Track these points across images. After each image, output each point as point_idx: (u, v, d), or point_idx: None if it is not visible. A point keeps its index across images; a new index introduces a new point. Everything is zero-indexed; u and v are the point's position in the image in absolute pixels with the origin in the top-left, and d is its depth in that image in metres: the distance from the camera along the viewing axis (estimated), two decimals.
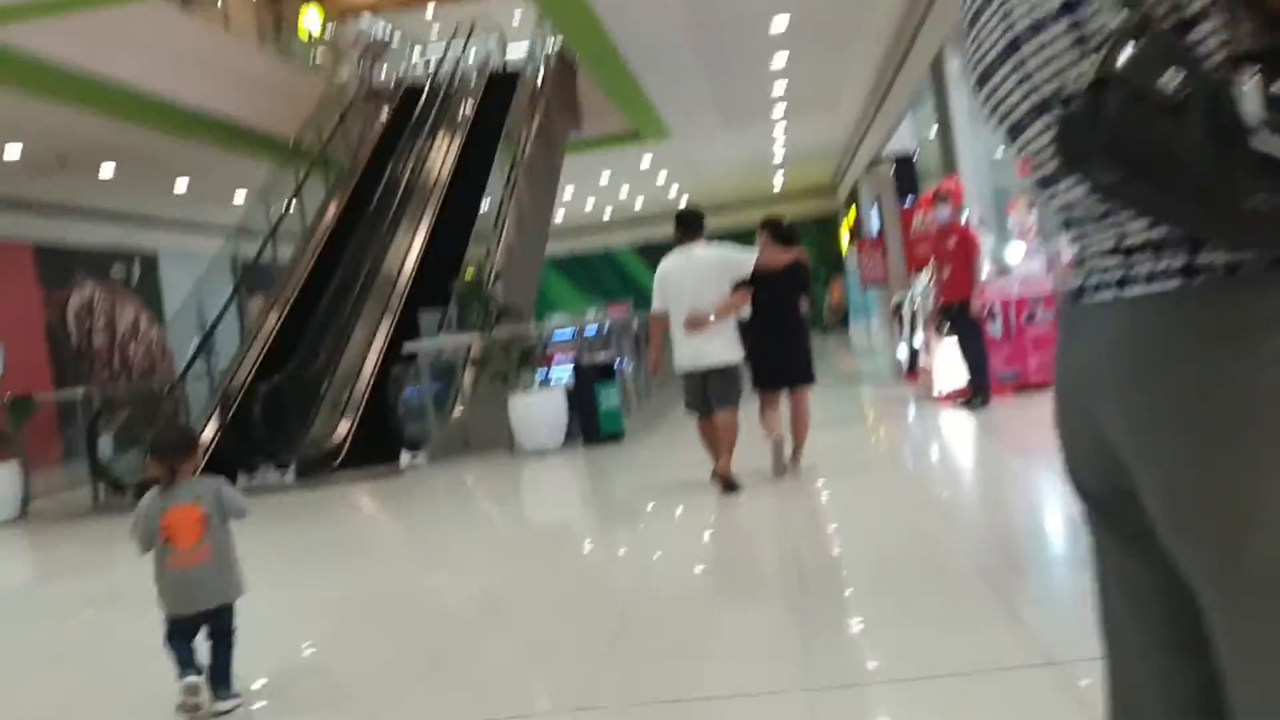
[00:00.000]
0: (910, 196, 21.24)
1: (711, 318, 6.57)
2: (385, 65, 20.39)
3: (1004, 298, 9.72)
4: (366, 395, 11.93)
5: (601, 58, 16.31)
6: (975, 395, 9.17)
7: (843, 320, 26.36)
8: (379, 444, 11.13)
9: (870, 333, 23.68)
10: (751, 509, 6.53)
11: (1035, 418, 8.90)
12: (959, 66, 13.23)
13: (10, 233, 16.03)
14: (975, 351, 9.19)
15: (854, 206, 28.62)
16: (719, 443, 6.81)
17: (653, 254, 32.04)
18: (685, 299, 6.66)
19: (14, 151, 14.20)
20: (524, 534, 7.41)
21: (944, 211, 9.32)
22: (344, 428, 11.84)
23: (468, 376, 11.56)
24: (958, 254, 9.15)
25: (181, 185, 18.21)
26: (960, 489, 7.07)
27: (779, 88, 18.38)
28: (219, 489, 3.93)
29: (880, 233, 23.13)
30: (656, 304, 6.88)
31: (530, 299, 15.58)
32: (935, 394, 10.02)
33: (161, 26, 14.34)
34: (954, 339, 9.43)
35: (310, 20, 23.61)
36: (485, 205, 14.61)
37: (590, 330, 14.44)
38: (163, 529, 3.81)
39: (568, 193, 26.97)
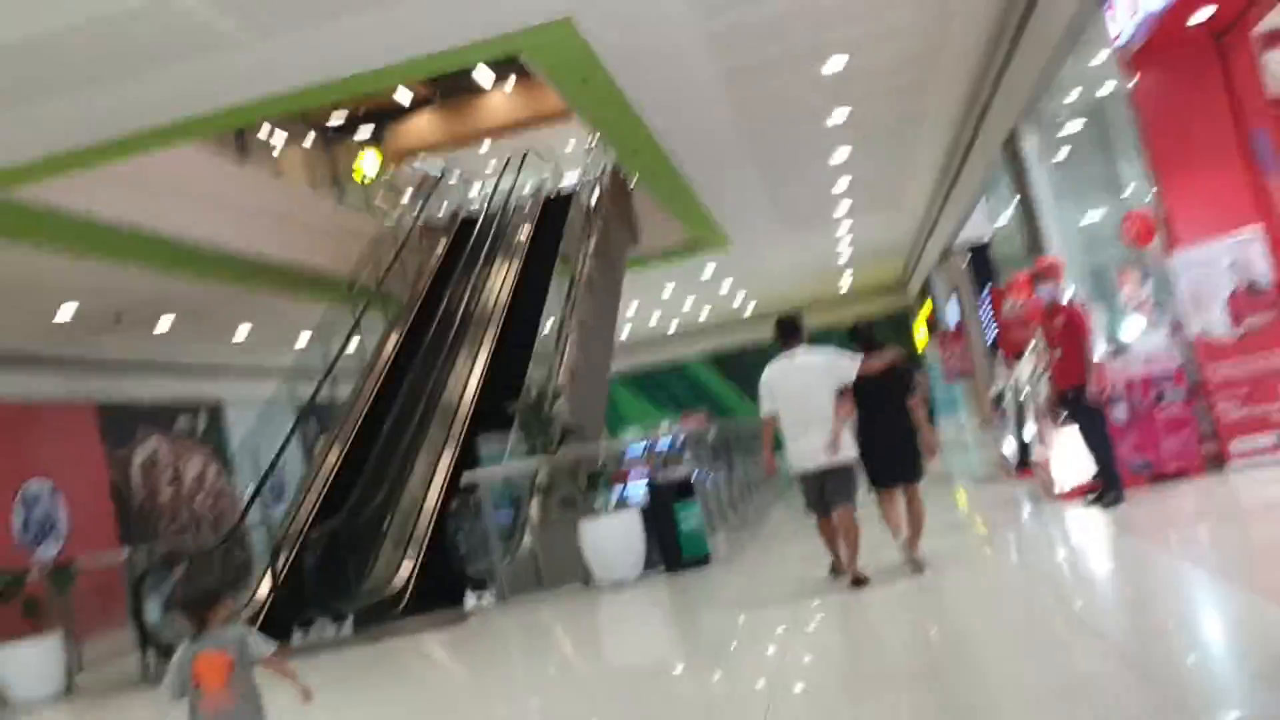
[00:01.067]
0: (988, 284, 20.18)
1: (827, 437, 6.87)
2: (442, 200, 20.14)
3: (1126, 378, 8.58)
4: (429, 533, 11.03)
5: (655, 170, 15.71)
6: (1106, 490, 7.96)
7: (929, 416, 25.05)
8: (444, 585, 10.20)
9: (962, 427, 22.32)
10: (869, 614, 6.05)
11: (1176, 512, 7.69)
12: (1035, 142, 12.32)
13: (71, 392, 15.67)
14: (1100, 441, 8.02)
15: (927, 300, 27.55)
16: (837, 540, 7.11)
17: (724, 363, 31.32)
18: (793, 403, 6.93)
19: (68, 311, 13.85)
20: (608, 676, 6.35)
21: (1045, 290, 8.28)
22: (406, 569, 10.89)
23: (535, 505, 10.62)
24: (1067, 335, 8.06)
25: (243, 332, 17.84)
26: (1105, 596, 5.97)
27: (840, 184, 17.59)
28: (243, 635, 4.20)
29: (960, 324, 22.01)
30: (766, 407, 7.08)
31: (598, 417, 14.69)
32: (1057, 491, 8.82)
33: (211, 175, 14.08)
34: (1073, 428, 8.29)
35: (368, 163, 23.64)
36: (546, 326, 13.88)
37: (663, 443, 13.51)
38: (194, 675, 4.09)
39: (632, 308, 26.35)
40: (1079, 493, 8.54)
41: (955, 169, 16.48)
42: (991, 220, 18.72)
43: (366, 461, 12.31)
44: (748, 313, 31.08)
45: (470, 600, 9.52)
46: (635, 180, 18.26)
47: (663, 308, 27.94)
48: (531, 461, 9.91)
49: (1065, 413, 8.41)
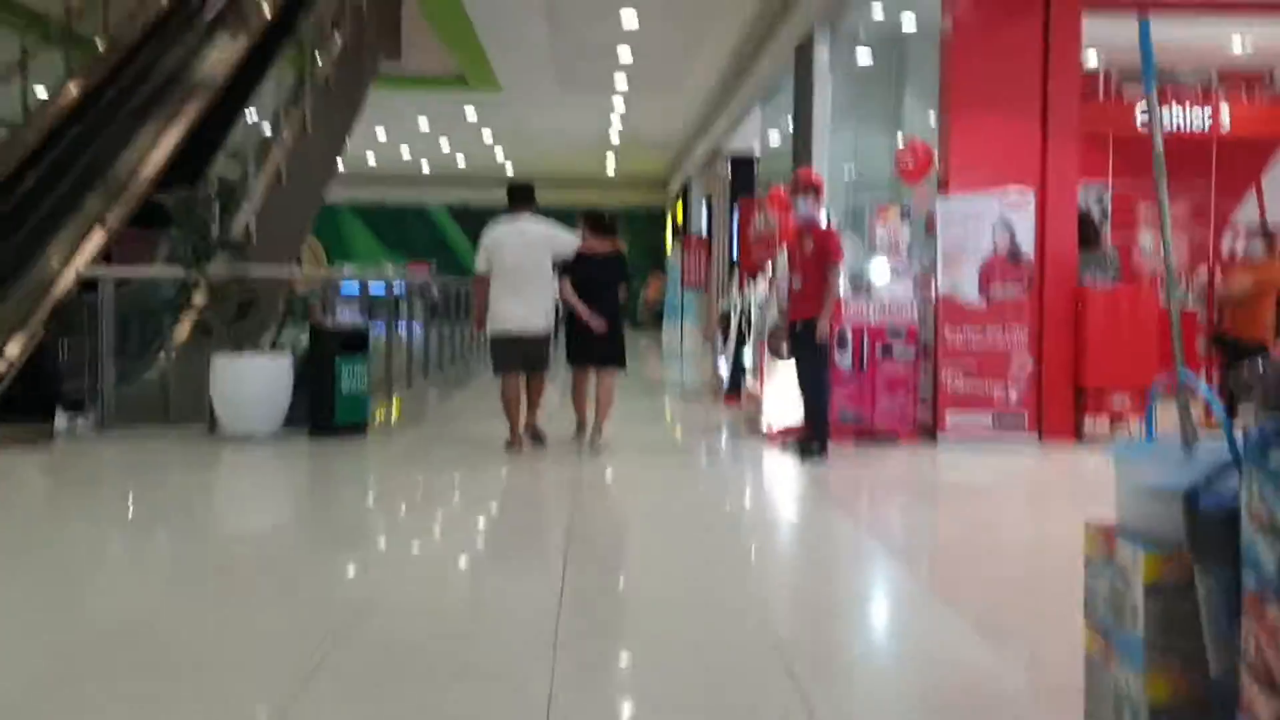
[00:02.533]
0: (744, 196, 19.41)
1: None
2: None
3: (858, 323, 7.71)
4: (45, 329, 8.93)
5: None
6: (810, 440, 7.07)
7: (658, 318, 24.38)
8: (39, 395, 8.22)
9: (682, 336, 21.73)
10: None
11: (874, 479, 6.91)
12: (827, 56, 11.26)
13: None
14: (816, 385, 7.11)
15: (681, 203, 26.71)
16: (518, 408, 7.17)
17: (468, 217, 29.43)
18: (509, 266, 6.98)
19: None
20: (190, 549, 4.84)
21: (803, 207, 7.19)
22: (7, 359, 8.80)
23: (181, 328, 8.72)
24: (814, 261, 7.02)
25: None
26: (773, 552, 5.06)
27: (624, 54, 16.08)
28: None
29: (708, 233, 21.22)
30: (481, 265, 7.10)
31: (296, 240, 12.73)
32: (764, 429, 7.92)
33: None
34: (794, 365, 7.37)
35: None
36: (251, 114, 11.73)
37: (377, 287, 11.87)
38: None
39: (380, 133, 23.96)
40: (783, 435, 7.67)
41: (743, 64, 15.29)
42: (763, 136, 17.81)
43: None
44: (505, 172, 29.24)
45: (60, 420, 7.65)
46: None
47: (415, 144, 25.65)
48: (171, 271, 7.98)
49: (788, 345, 7.46)
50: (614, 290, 7.34)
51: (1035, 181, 7.75)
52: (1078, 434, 7.85)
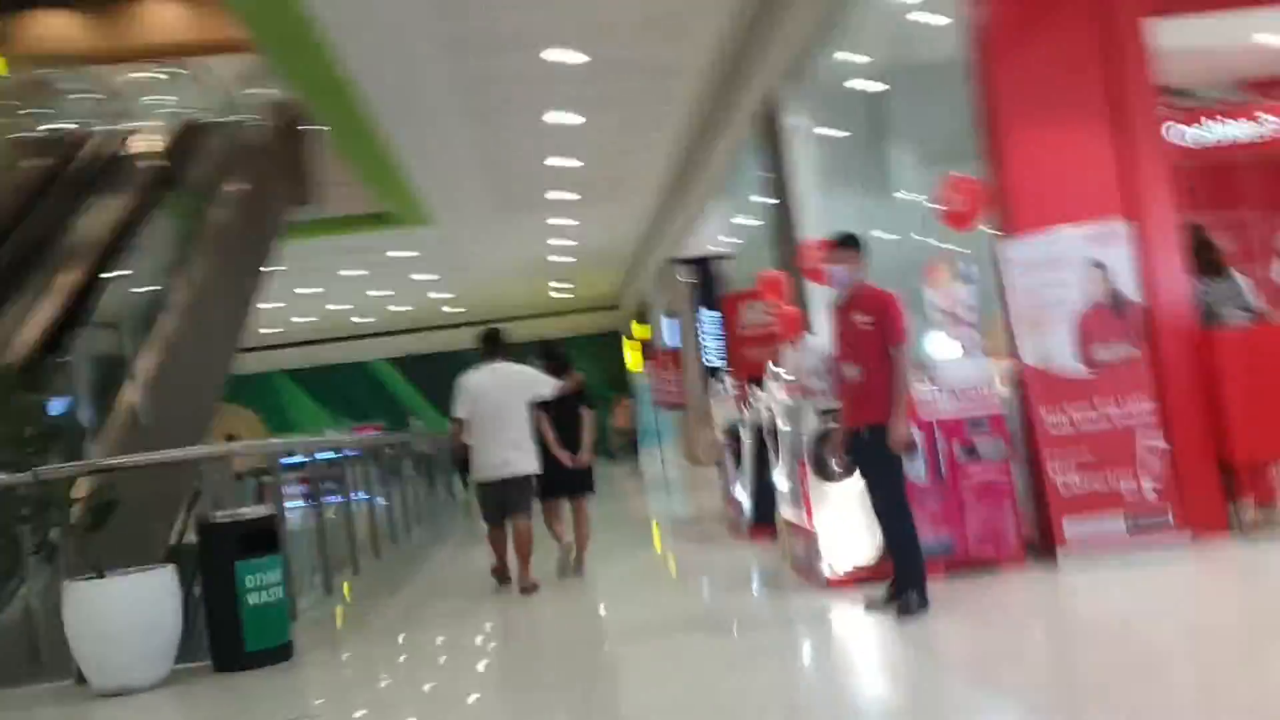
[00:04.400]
0: (713, 300, 17.75)
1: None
2: (62, 116, 15.39)
3: (925, 417, 5.84)
4: None
5: (345, 121, 12.17)
6: (907, 591, 5.10)
7: (632, 445, 22.38)
8: None
9: (664, 462, 19.74)
10: None
11: (1006, 634, 4.92)
12: (801, 112, 9.68)
13: None
14: (902, 511, 5.17)
15: (642, 321, 25.05)
16: (506, 549, 7.30)
17: (412, 366, 27.43)
18: (488, 412, 7.08)
19: None
20: None
21: (845, 272, 5.35)
22: None
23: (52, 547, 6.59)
24: (874, 342, 5.16)
25: None
26: None
27: (560, 162, 14.53)
28: None
29: (675, 347, 19.48)
30: (460, 412, 7.20)
31: (203, 415, 10.73)
32: (822, 572, 5.93)
33: None
34: (853, 484, 5.45)
35: None
36: (126, 271, 9.89)
37: (323, 454, 9.87)
38: None
39: (307, 290, 22.17)
40: (855, 579, 5.69)
41: (693, 154, 13.73)
42: (725, 231, 16.25)
43: None
44: (447, 312, 27.51)
45: None
46: (313, 128, 14.53)
47: (345, 295, 23.89)
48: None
49: (844, 461, 5.56)
50: (579, 421, 7.60)
51: (1117, 209, 6.03)
52: (1232, 524, 5.96)
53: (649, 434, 20.74)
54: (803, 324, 8.73)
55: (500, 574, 7.36)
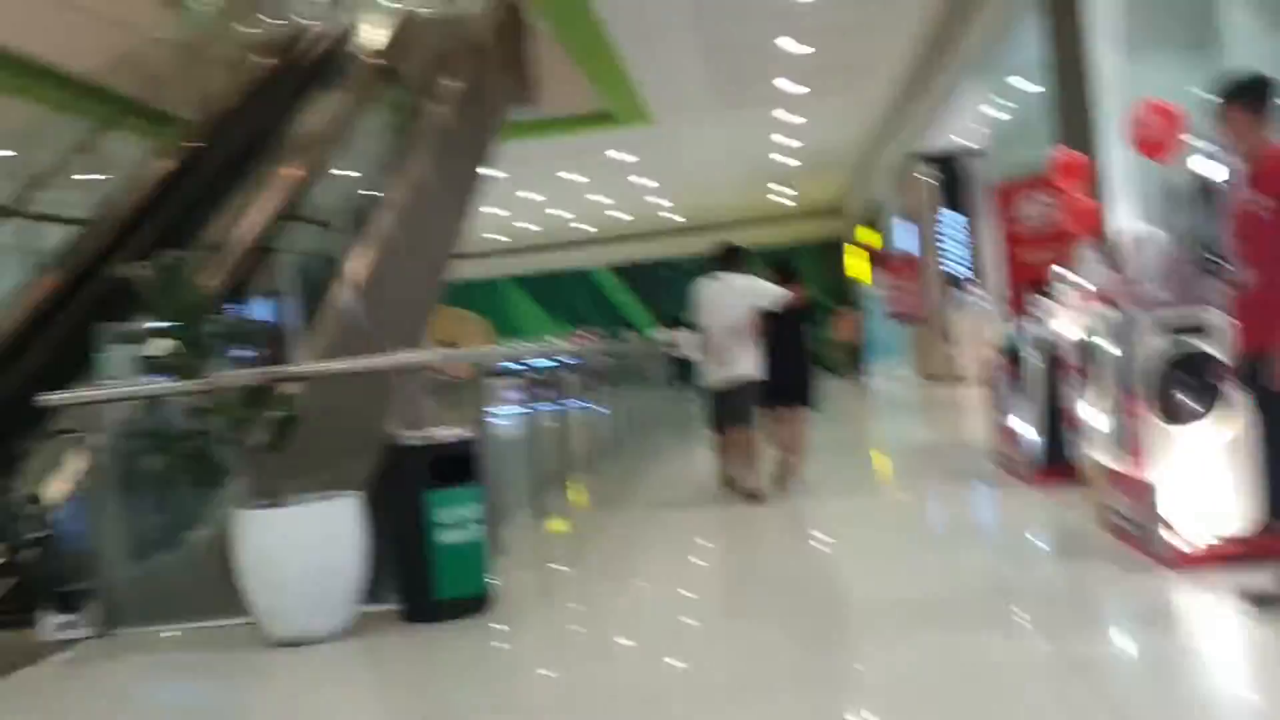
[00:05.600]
0: (961, 199, 15.76)
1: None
2: (288, 14, 14.92)
3: None
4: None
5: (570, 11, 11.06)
6: None
7: (855, 360, 20.56)
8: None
9: (895, 379, 18.03)
10: None
11: None
12: None
13: None
14: None
15: (865, 227, 23.10)
16: (732, 456, 7.18)
17: (634, 275, 26.59)
18: (715, 321, 7.14)
19: None
20: None
21: (1234, 137, 3.65)
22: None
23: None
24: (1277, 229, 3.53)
25: None
26: None
27: (790, 46, 12.88)
28: None
29: (913, 253, 17.59)
30: (695, 318, 7.37)
31: (419, 321, 9.99)
32: (1160, 541, 4.36)
33: None
34: (1256, 430, 3.87)
35: None
36: (342, 168, 9.12)
37: (539, 361, 9.09)
38: None
39: (532, 196, 21.48)
40: (1217, 557, 4.14)
41: (948, 26, 11.79)
42: (975, 121, 14.20)
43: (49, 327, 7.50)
44: (666, 219, 26.39)
45: (48, 624, 4.89)
46: (539, 21, 13.47)
47: (569, 202, 23.10)
48: (153, 385, 4.95)
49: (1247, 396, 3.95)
50: (800, 335, 7.47)
51: None
52: None
53: (877, 348, 19.01)
54: (1099, 218, 6.96)
55: (730, 483, 7.17)
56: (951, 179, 16.30)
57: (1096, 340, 5.01)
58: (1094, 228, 6.94)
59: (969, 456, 8.19)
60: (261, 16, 14.00)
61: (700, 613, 4.32)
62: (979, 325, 15.62)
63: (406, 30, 13.35)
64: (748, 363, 7.03)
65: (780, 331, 7.18)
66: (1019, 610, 4.00)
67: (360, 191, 9.69)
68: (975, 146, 15.48)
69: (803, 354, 7.41)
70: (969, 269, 16.26)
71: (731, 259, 7.36)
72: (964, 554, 5.03)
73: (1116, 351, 4.69)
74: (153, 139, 10.97)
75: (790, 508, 6.81)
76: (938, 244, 16.50)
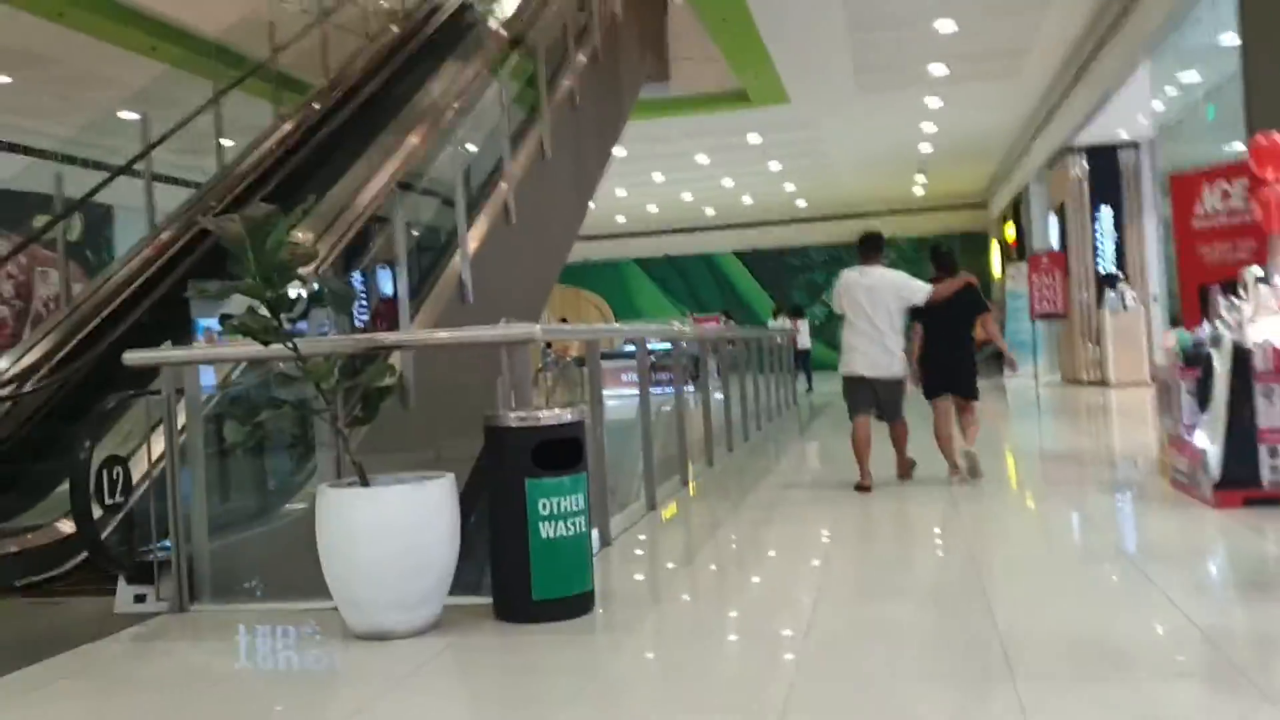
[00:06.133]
0: (1114, 194, 14.66)
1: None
2: None
3: None
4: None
5: None
6: None
7: (996, 359, 19.40)
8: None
9: (1035, 383, 16.93)
10: None
11: None
12: None
13: None
14: None
15: (1013, 221, 21.88)
16: (867, 454, 6.92)
17: (759, 262, 25.88)
18: (860, 312, 7.00)
19: None
20: None
21: None
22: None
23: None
24: None
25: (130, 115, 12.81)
26: None
27: (945, 26, 12.02)
28: None
29: (1061, 248, 16.44)
30: (836, 308, 7.27)
31: (537, 296, 9.60)
32: None
33: None
34: None
35: None
36: (465, 138, 8.72)
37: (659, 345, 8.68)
38: None
39: (658, 178, 20.99)
40: None
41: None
42: (1139, 113, 13.07)
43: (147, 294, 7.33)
44: (794, 206, 25.56)
45: (124, 596, 4.60)
46: None
47: (696, 185, 22.52)
48: (236, 349, 4.55)
49: None
50: (964, 324, 7.28)
51: None
52: None
53: (1022, 346, 17.87)
54: None
55: (864, 487, 6.78)
56: (1105, 172, 15.16)
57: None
58: None
59: (1131, 469, 7.34)
60: None
61: (825, 635, 3.72)
62: (1130, 326, 14.49)
63: (538, 3, 12.98)
64: (891, 360, 6.92)
65: (941, 322, 7.09)
66: (1224, 658, 3.27)
67: (483, 164, 9.32)
68: (1130, 139, 14.34)
69: (964, 343, 7.27)
70: (1120, 268, 15.10)
71: (873, 248, 7.23)
72: (1141, 584, 4.29)
73: None
74: (277, 103, 10.83)
75: (934, 512, 6.14)
76: (1089, 240, 15.37)
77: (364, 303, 7.22)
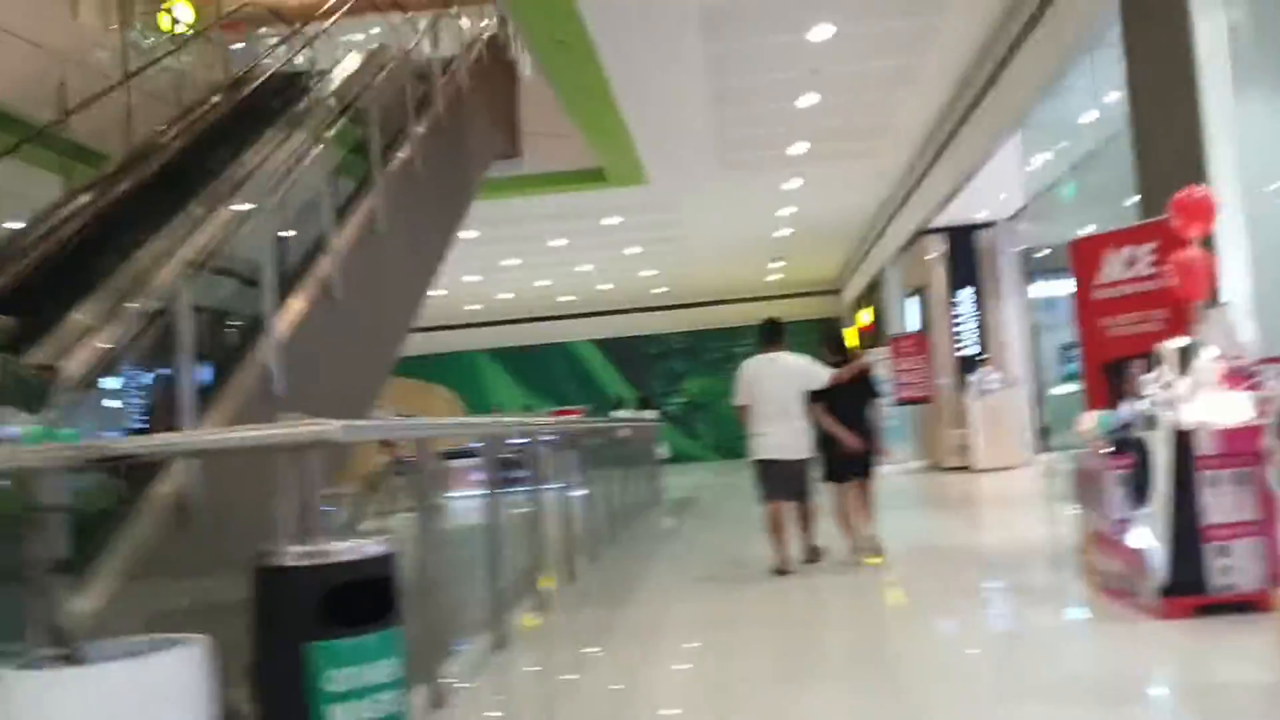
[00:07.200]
0: (974, 277, 14.41)
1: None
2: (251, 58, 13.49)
3: None
4: None
5: (570, 56, 9.79)
6: None
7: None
8: None
9: (901, 468, 16.36)
10: None
11: None
12: None
13: None
14: None
15: (867, 307, 21.72)
16: (783, 532, 7.07)
17: (618, 350, 25.01)
18: (769, 398, 7.13)
19: None
20: None
21: None
22: None
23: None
24: None
25: None
26: None
27: (808, 100, 11.54)
28: None
29: (920, 331, 16.09)
30: (740, 399, 7.31)
31: (371, 387, 8.34)
32: None
33: None
34: None
35: (180, 10, 16.86)
36: (280, 210, 7.50)
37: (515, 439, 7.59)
38: None
39: (511, 262, 20.01)
40: None
41: (990, 63, 10.44)
42: (1006, 187, 12.84)
43: None
44: (654, 293, 24.95)
45: None
46: (531, 66, 12.16)
47: (553, 272, 21.63)
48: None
49: None
50: (864, 406, 7.34)
51: None
52: None
53: (888, 433, 17.37)
54: (1214, 274, 5.46)
55: (783, 570, 6.92)
56: (964, 253, 14.95)
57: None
58: (1210, 287, 5.44)
59: (1048, 571, 6.52)
60: (211, 47, 12.60)
61: None
62: (995, 409, 14.11)
63: (374, 69, 11.93)
64: (801, 443, 7.07)
65: (842, 406, 7.15)
66: None
67: (304, 237, 8.10)
68: (989, 218, 14.19)
69: (865, 425, 7.30)
70: (982, 348, 14.80)
71: (774, 336, 7.39)
72: None
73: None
74: (70, 174, 9.40)
75: (842, 641, 5.13)
76: (950, 322, 15.05)
77: (139, 399, 5.88)
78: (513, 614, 5.58)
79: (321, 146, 8.47)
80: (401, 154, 9.65)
